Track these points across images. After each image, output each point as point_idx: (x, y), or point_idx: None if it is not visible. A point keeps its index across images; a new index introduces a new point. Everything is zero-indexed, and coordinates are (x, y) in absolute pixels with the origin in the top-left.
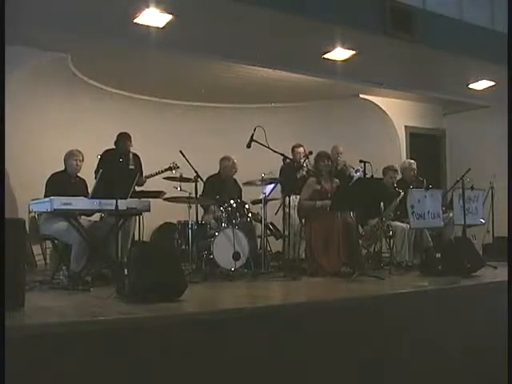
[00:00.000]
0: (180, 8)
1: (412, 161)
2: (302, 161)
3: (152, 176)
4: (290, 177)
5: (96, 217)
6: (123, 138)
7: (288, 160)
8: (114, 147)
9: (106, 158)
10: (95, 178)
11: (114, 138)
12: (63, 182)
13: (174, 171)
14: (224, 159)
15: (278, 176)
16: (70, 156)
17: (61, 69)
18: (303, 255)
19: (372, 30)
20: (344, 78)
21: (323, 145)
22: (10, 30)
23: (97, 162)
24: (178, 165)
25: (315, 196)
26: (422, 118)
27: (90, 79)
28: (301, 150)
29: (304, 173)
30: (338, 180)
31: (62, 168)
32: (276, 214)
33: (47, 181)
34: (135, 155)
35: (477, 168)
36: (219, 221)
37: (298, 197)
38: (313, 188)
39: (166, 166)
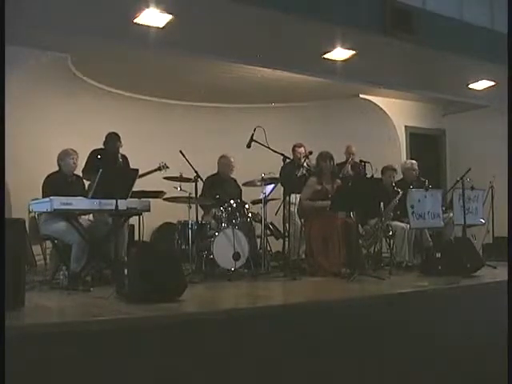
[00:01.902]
0: (180, 8)
1: (414, 161)
2: (302, 160)
3: (141, 176)
4: (290, 176)
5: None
6: (113, 139)
7: (288, 160)
8: (102, 147)
9: (95, 159)
10: (83, 178)
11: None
12: (60, 182)
13: (163, 171)
14: (221, 158)
15: (278, 176)
16: (66, 155)
17: (61, 69)
18: (303, 255)
19: (372, 30)
20: (344, 78)
21: (323, 145)
22: (10, 30)
23: (85, 163)
24: (168, 165)
25: (316, 196)
26: (422, 118)
27: (90, 79)
28: (301, 149)
29: (304, 172)
30: (339, 180)
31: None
32: (276, 214)
33: (44, 182)
34: (123, 156)
35: (477, 168)
36: (219, 221)
37: (299, 196)
38: (313, 188)
39: (155, 167)
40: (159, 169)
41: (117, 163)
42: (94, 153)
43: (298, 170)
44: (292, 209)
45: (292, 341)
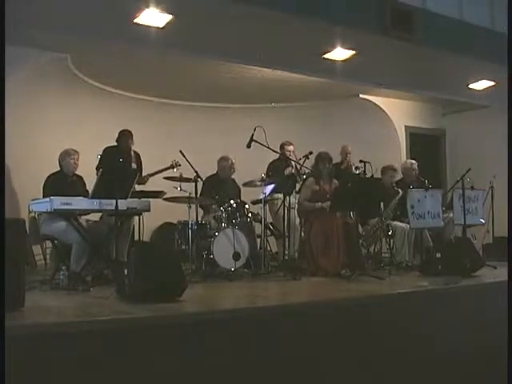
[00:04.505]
0: (180, 8)
1: (414, 161)
2: (303, 161)
3: (154, 174)
4: (278, 174)
5: (95, 217)
6: (125, 136)
7: (277, 157)
8: (115, 144)
9: (108, 156)
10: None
11: (115, 138)
12: (60, 183)
13: (175, 169)
14: (222, 159)
15: (265, 173)
16: (67, 155)
17: (61, 69)
18: (296, 254)
19: (372, 30)
20: (344, 78)
21: (323, 145)
22: (10, 30)
23: (98, 160)
24: (180, 163)
25: (314, 197)
26: (421, 117)
27: (90, 79)
28: (290, 148)
29: (292, 170)
30: (336, 181)
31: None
32: (276, 214)
33: (45, 183)
34: (136, 153)
35: (477, 168)
36: (219, 221)
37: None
38: (311, 188)
39: (168, 165)
40: (172, 166)
41: (131, 161)
42: (106, 150)
43: (286, 168)
44: (280, 209)
45: (292, 341)
